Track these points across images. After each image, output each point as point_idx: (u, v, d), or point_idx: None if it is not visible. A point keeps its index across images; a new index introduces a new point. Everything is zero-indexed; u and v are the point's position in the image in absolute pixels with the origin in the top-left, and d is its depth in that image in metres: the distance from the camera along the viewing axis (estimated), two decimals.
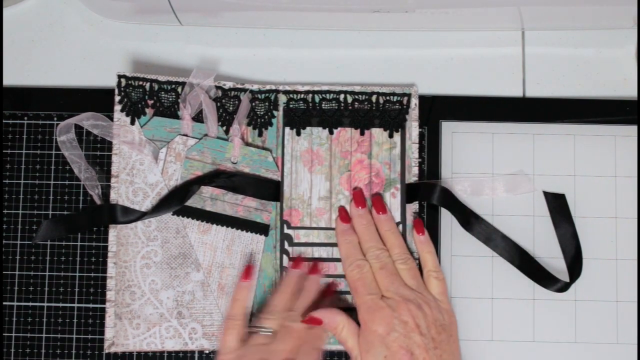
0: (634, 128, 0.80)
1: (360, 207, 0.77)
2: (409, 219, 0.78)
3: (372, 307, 0.72)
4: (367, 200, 0.78)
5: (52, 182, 0.80)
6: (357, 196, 0.77)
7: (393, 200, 0.78)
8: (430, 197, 0.78)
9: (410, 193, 0.78)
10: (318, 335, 0.75)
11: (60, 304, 0.79)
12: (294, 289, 0.76)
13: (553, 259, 0.79)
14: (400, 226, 0.78)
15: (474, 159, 0.80)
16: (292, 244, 0.78)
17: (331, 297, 0.77)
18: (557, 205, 0.79)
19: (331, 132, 0.79)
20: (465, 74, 0.82)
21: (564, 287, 0.77)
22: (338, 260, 0.77)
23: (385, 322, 0.71)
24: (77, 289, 0.79)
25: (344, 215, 0.77)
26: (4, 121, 0.81)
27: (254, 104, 0.78)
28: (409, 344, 0.70)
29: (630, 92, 0.82)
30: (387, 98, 0.79)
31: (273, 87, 0.79)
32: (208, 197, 0.77)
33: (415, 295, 0.73)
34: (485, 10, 0.78)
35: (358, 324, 0.73)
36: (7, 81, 0.83)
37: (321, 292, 0.77)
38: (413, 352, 0.70)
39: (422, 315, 0.71)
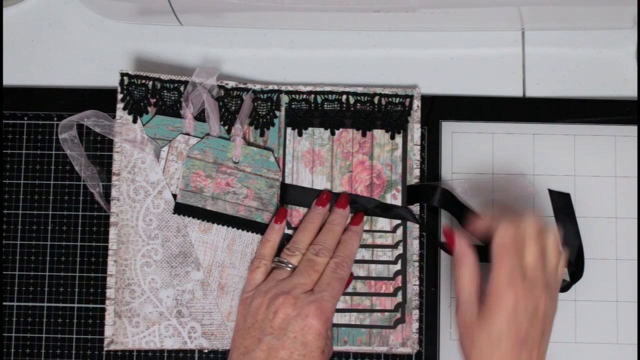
0: (634, 128, 0.80)
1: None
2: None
3: (513, 279, 0.67)
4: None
5: (52, 182, 0.80)
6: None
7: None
8: (430, 199, 0.78)
9: (411, 195, 0.78)
10: (341, 266, 0.74)
11: (60, 304, 0.79)
12: (318, 225, 0.77)
13: None
14: (401, 227, 0.78)
15: (474, 159, 0.81)
16: None
17: (357, 227, 0.77)
18: (562, 204, 0.78)
19: (333, 133, 0.79)
20: (465, 74, 0.82)
21: (565, 287, 0.77)
22: None
23: (520, 299, 0.67)
24: (77, 289, 0.79)
25: None
26: (4, 121, 0.81)
27: (256, 103, 0.78)
28: (527, 334, 0.67)
29: (630, 92, 0.82)
30: (390, 99, 0.79)
31: (275, 87, 0.79)
32: (209, 197, 0.77)
33: (553, 281, 0.70)
34: (485, 10, 0.78)
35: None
36: (7, 81, 0.83)
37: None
38: (526, 345, 0.67)
39: (550, 307, 0.69)
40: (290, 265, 0.74)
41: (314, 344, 0.70)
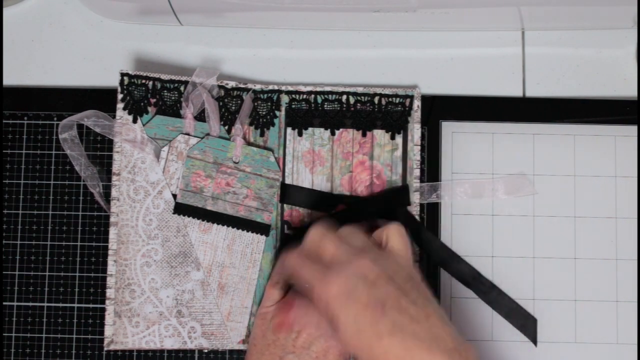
0: (634, 128, 0.80)
1: None
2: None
3: (323, 276, 0.65)
4: None
5: (52, 182, 0.80)
6: None
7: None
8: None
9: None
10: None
11: (60, 304, 0.79)
12: None
13: (551, 259, 0.79)
14: None
15: (474, 159, 0.81)
16: None
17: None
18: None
19: (333, 133, 0.79)
20: (465, 74, 0.82)
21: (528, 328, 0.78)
22: None
23: (341, 281, 0.64)
24: (77, 289, 0.79)
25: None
26: (4, 121, 0.81)
27: (256, 103, 0.78)
28: (377, 296, 0.63)
29: (630, 92, 0.82)
30: (390, 99, 0.79)
31: (276, 87, 0.79)
32: (209, 197, 0.77)
33: (367, 251, 0.67)
34: (485, 10, 0.78)
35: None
36: (7, 81, 0.83)
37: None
38: (384, 303, 0.62)
39: (382, 266, 0.65)
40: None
41: None
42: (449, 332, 0.62)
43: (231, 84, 0.79)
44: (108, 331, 0.76)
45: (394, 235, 0.69)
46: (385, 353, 0.61)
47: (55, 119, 0.81)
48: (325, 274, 0.65)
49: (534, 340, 0.77)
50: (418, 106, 0.79)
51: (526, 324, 0.78)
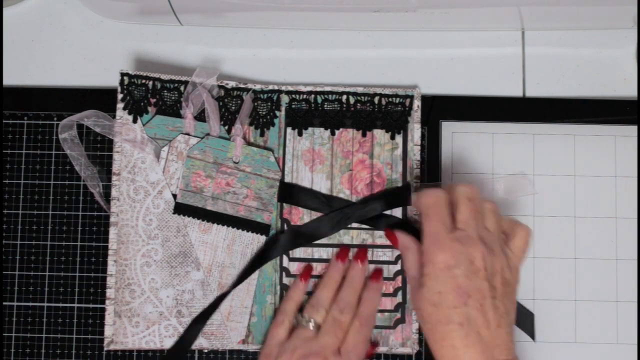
0: (634, 128, 0.80)
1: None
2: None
3: (439, 238, 0.67)
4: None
5: (52, 182, 0.80)
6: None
7: None
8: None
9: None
10: (365, 325, 0.74)
11: (60, 304, 0.79)
12: (339, 280, 0.76)
13: (551, 259, 0.79)
14: None
15: (474, 159, 0.81)
16: None
17: (376, 284, 0.77)
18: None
19: (333, 133, 0.79)
20: (465, 74, 0.82)
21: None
22: None
23: (449, 254, 0.66)
24: (77, 289, 0.79)
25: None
26: (4, 121, 0.81)
27: (256, 103, 0.78)
28: (469, 286, 0.65)
29: (630, 92, 0.82)
30: (390, 99, 0.79)
31: (276, 87, 0.79)
32: (209, 197, 0.77)
33: (492, 239, 0.68)
34: (485, 10, 0.78)
35: None
36: (8, 81, 0.83)
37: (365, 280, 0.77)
38: (470, 296, 0.65)
39: (492, 261, 0.66)
40: (313, 322, 0.74)
41: None
42: (509, 347, 0.65)
43: (231, 84, 0.79)
44: (108, 331, 0.76)
45: (525, 239, 0.70)
46: (445, 335, 0.65)
47: (55, 119, 0.81)
48: (447, 233, 0.67)
49: (532, 335, 0.77)
50: (418, 106, 0.79)
51: (524, 319, 0.78)
